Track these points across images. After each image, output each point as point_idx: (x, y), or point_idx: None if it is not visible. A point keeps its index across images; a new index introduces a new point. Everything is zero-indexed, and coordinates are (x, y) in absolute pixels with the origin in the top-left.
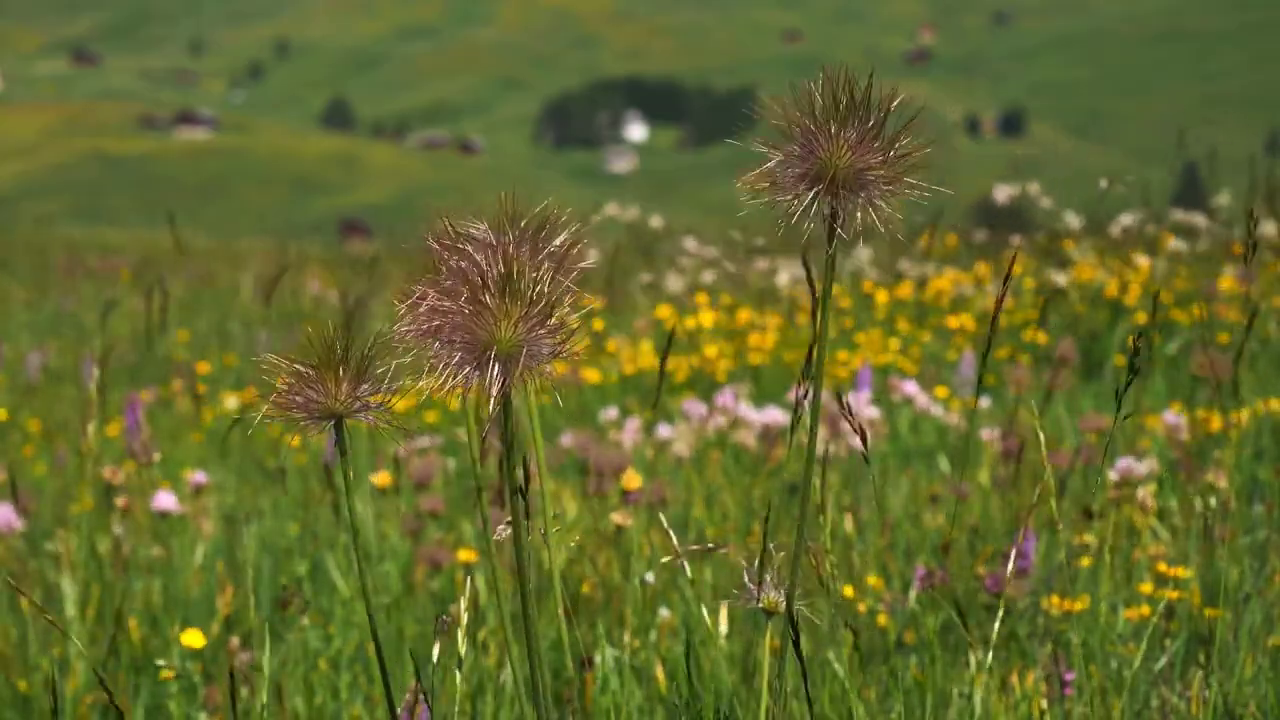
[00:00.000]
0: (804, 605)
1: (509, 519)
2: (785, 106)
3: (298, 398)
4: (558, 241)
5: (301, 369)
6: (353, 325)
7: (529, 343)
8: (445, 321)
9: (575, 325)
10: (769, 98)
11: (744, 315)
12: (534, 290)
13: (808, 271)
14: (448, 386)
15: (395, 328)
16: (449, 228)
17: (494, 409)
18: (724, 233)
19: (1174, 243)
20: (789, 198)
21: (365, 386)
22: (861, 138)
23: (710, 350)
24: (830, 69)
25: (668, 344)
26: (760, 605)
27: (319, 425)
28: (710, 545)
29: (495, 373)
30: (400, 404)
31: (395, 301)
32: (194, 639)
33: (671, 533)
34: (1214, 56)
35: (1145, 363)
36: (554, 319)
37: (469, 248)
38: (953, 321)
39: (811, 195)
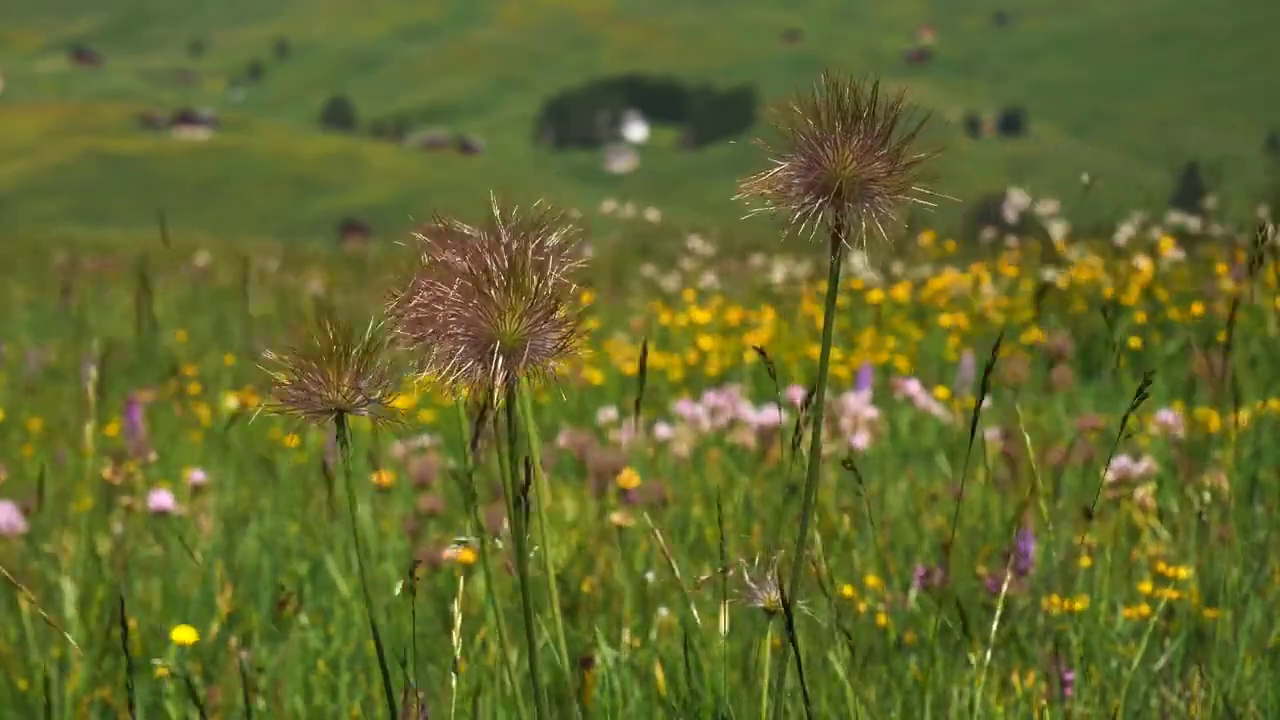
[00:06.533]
0: (804, 605)
1: (509, 519)
2: (789, 113)
3: (299, 391)
4: (555, 239)
5: (303, 362)
6: (354, 321)
7: (533, 337)
8: (449, 314)
9: (579, 321)
10: (773, 103)
11: (734, 314)
12: (539, 284)
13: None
14: (450, 380)
15: (397, 321)
16: (446, 225)
17: (496, 403)
18: (723, 232)
19: (1171, 244)
20: (793, 207)
21: (367, 381)
22: (867, 147)
23: (706, 343)
24: (833, 73)
25: (642, 361)
26: (760, 605)
27: (321, 419)
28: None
29: (498, 366)
30: (400, 401)
31: (392, 297)
32: (185, 635)
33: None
34: (1214, 56)
35: (1145, 363)
36: (558, 314)
37: (471, 243)
38: (947, 320)
39: (817, 206)
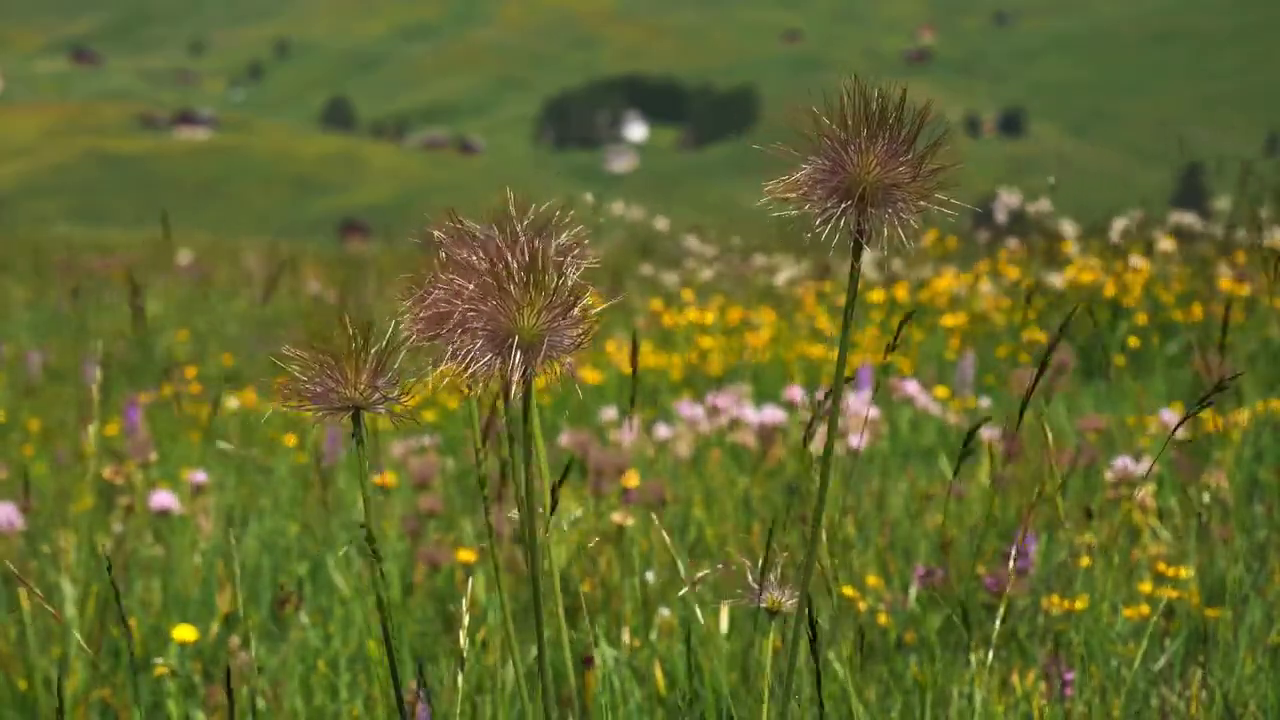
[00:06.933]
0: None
1: (514, 516)
2: (810, 115)
3: (316, 388)
4: (564, 238)
5: (321, 359)
6: (368, 319)
7: (551, 333)
8: (467, 310)
9: (597, 317)
10: (788, 106)
11: (735, 314)
12: (558, 281)
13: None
14: (468, 374)
15: (412, 316)
16: (461, 223)
17: (514, 397)
18: (722, 232)
19: (1172, 244)
20: (815, 210)
21: (384, 380)
22: (892, 152)
23: (707, 342)
24: (835, 73)
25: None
26: (764, 605)
27: (336, 416)
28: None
29: (517, 361)
30: (410, 400)
31: (403, 295)
32: (186, 633)
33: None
34: (1214, 56)
35: (1145, 363)
36: (576, 310)
37: (488, 240)
38: (949, 320)
39: (840, 210)
